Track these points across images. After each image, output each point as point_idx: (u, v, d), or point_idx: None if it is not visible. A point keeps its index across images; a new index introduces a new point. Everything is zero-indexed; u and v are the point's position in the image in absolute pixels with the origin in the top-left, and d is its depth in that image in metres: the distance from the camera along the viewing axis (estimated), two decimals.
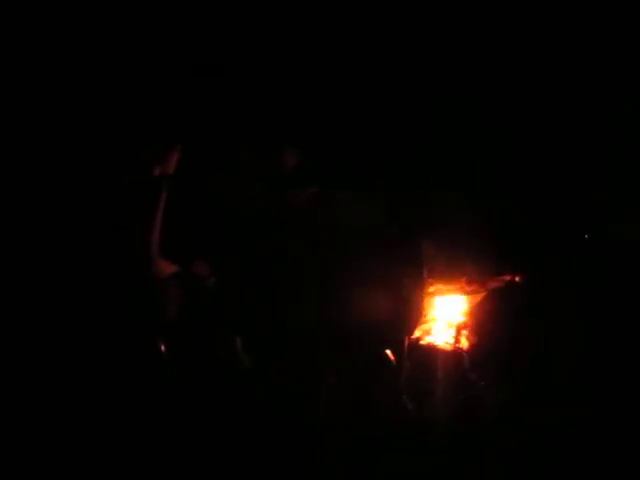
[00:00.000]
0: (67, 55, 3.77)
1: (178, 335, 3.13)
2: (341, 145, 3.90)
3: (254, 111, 3.96)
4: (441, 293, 3.60)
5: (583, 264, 3.70)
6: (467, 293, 3.66)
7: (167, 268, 2.97)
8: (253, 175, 3.58)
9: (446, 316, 3.63)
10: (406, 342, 3.19)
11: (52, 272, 3.19)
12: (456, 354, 3.47)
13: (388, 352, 3.19)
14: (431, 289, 3.54)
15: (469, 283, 3.69)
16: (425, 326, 3.59)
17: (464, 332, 3.57)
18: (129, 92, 3.66)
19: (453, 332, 3.58)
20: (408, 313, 3.09)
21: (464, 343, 3.54)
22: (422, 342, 3.53)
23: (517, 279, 3.66)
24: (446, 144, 3.99)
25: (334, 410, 3.00)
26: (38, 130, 3.68)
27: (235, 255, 3.49)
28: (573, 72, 4.03)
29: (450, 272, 3.68)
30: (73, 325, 3.07)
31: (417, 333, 3.54)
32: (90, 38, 3.81)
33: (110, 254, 2.92)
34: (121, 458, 2.66)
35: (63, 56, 3.76)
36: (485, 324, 3.57)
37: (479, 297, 3.65)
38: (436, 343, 3.55)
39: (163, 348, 3.07)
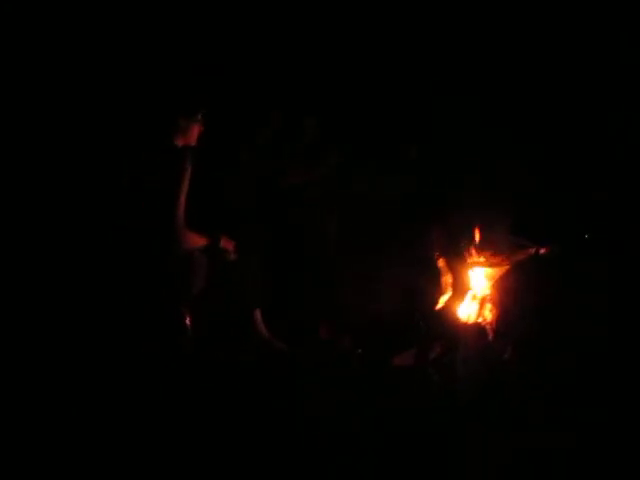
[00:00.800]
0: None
1: (203, 308, 3.14)
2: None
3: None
4: (465, 266, 3.58)
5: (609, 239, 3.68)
6: (491, 266, 3.63)
7: (193, 240, 2.96)
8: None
9: (470, 289, 3.61)
10: (431, 313, 3.18)
11: (79, 246, 3.21)
12: (479, 326, 3.46)
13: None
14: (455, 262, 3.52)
15: (493, 256, 3.67)
16: (449, 298, 3.58)
17: (488, 305, 3.55)
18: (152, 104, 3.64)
19: (477, 305, 3.56)
20: (434, 284, 3.08)
21: (488, 316, 3.52)
22: (446, 314, 3.52)
23: (542, 252, 3.63)
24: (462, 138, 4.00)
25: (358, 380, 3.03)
26: (57, 110, 3.70)
27: (258, 228, 3.51)
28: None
29: (474, 245, 3.66)
30: (99, 299, 3.09)
31: (440, 305, 3.55)
32: (107, 34, 3.82)
33: (135, 227, 2.92)
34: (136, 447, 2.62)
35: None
36: (509, 297, 3.55)
37: (503, 270, 3.62)
38: (460, 315, 3.54)
39: (188, 321, 3.08)
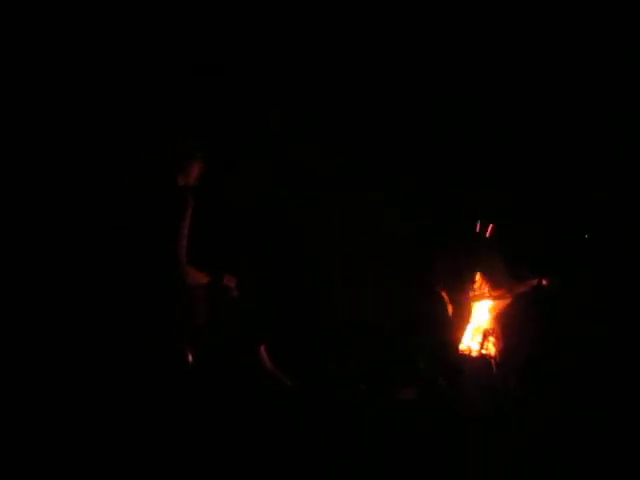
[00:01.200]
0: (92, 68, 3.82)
1: (204, 343, 3.15)
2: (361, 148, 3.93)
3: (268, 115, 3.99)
4: (467, 298, 3.58)
5: (607, 268, 3.68)
6: (493, 298, 3.63)
7: (195, 277, 2.97)
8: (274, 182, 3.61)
9: (473, 322, 3.60)
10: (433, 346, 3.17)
11: (83, 279, 3.22)
12: (483, 360, 3.45)
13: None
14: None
15: (495, 288, 3.67)
16: (451, 330, 3.58)
17: (491, 338, 3.54)
18: (152, 104, 3.69)
19: (480, 338, 3.55)
20: (437, 316, 3.07)
21: (491, 349, 3.51)
22: (448, 346, 3.51)
23: (543, 283, 3.63)
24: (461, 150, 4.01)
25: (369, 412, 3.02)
26: (68, 139, 3.74)
27: (259, 264, 3.52)
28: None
29: (475, 278, 3.67)
30: (102, 330, 3.10)
31: (443, 337, 3.55)
32: (115, 50, 3.86)
33: (139, 263, 2.93)
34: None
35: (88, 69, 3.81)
36: (512, 330, 3.55)
37: (505, 303, 3.62)
38: (463, 349, 3.53)
39: (190, 356, 3.08)
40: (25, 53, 3.78)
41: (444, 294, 3.61)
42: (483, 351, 3.52)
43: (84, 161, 3.70)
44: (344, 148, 3.89)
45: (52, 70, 3.80)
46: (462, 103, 4.00)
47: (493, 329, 3.57)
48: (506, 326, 3.57)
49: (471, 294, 3.61)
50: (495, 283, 3.69)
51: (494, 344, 3.53)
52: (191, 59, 3.97)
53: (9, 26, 3.73)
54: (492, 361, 3.43)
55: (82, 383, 3.09)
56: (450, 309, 3.59)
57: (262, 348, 3.32)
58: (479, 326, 3.59)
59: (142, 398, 3.01)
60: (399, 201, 3.15)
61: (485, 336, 3.56)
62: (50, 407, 2.94)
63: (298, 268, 3.69)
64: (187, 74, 3.92)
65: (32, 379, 3.09)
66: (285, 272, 3.66)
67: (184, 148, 3.07)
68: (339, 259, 3.58)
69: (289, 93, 4.05)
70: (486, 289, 3.65)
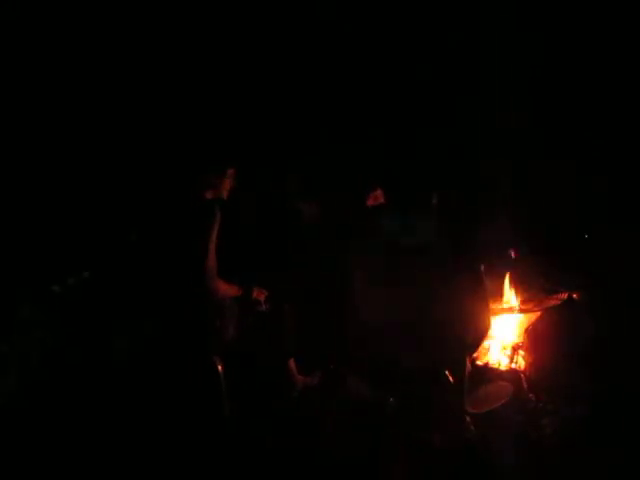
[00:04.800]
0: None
1: (234, 356, 3.18)
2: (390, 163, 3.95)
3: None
4: (497, 313, 3.55)
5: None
6: (523, 312, 3.60)
7: (226, 290, 3.01)
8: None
9: (502, 336, 3.57)
10: (467, 362, 3.15)
11: (114, 292, 3.30)
12: (513, 374, 3.41)
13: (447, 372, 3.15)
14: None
15: (524, 302, 3.64)
16: (482, 346, 3.55)
17: (521, 352, 3.51)
18: (182, 119, 3.78)
19: (509, 352, 3.52)
20: (471, 332, 3.05)
21: (521, 363, 3.48)
22: (479, 362, 3.48)
23: (574, 296, 3.60)
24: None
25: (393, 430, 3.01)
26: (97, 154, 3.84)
27: (289, 278, 3.54)
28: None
29: (505, 291, 3.65)
30: (132, 343, 3.17)
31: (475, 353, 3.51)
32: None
33: (169, 276, 2.99)
34: None
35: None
36: (542, 343, 3.51)
37: (535, 316, 3.59)
38: (493, 363, 3.50)
39: (220, 368, 3.11)
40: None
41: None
42: (513, 365, 3.48)
43: (115, 175, 3.80)
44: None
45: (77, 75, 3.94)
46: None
47: (523, 343, 3.54)
48: (536, 340, 3.53)
49: (501, 308, 3.58)
50: (525, 296, 3.67)
51: (524, 358, 3.49)
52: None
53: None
54: (522, 375, 3.39)
55: (109, 394, 3.16)
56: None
57: (291, 361, 3.35)
58: (509, 340, 3.56)
59: (172, 411, 3.06)
60: (429, 214, 3.17)
61: (515, 350, 3.52)
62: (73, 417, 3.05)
63: (326, 282, 3.71)
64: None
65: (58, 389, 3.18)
66: (314, 286, 3.67)
67: (213, 162, 3.13)
68: (367, 272, 3.59)
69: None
70: (517, 302, 3.63)
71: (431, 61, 4.16)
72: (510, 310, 3.59)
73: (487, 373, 3.43)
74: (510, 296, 3.64)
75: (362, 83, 4.25)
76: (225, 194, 3.15)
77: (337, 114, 4.20)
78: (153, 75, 4.06)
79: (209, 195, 3.07)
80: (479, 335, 3.09)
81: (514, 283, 3.66)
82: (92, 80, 4.06)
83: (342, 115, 4.20)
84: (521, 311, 3.60)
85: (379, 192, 3.44)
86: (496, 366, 3.49)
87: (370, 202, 3.42)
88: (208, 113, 4.05)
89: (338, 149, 4.02)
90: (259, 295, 3.16)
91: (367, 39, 4.20)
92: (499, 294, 3.63)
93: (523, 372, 3.42)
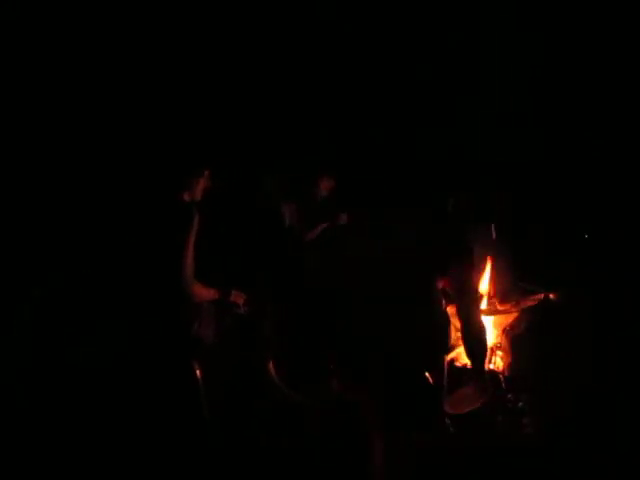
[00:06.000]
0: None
1: (212, 359, 3.13)
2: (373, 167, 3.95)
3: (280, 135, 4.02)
4: None
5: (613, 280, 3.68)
6: (500, 313, 3.61)
7: (202, 293, 2.96)
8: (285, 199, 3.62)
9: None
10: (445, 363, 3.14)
11: (89, 295, 3.23)
12: (492, 375, 3.42)
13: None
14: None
15: (502, 303, 3.65)
16: (459, 347, 3.55)
17: (499, 352, 3.52)
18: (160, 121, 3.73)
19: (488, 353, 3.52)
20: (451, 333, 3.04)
21: (499, 364, 3.49)
22: (457, 363, 3.48)
23: (551, 297, 3.62)
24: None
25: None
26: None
27: (268, 280, 3.51)
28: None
29: (482, 292, 3.65)
30: (109, 346, 3.11)
31: (451, 354, 3.51)
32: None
33: (145, 279, 2.93)
34: None
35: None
36: (519, 344, 3.53)
37: (512, 317, 3.61)
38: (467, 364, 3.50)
39: (198, 372, 3.06)
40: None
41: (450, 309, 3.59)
42: (491, 366, 3.49)
43: (94, 176, 3.73)
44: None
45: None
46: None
47: (501, 344, 3.55)
48: (513, 340, 3.54)
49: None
50: (502, 297, 3.68)
51: (502, 358, 3.50)
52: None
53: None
54: (500, 376, 3.40)
55: (92, 397, 3.10)
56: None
57: (270, 364, 3.30)
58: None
59: (150, 413, 3.00)
60: (409, 216, 3.15)
61: (493, 351, 3.53)
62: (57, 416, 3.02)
63: (306, 283, 3.68)
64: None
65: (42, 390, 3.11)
66: (293, 287, 3.64)
67: (189, 164, 3.09)
68: (350, 273, 3.57)
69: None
70: (494, 303, 3.64)
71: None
72: (488, 311, 3.60)
73: (466, 374, 3.41)
74: (489, 297, 3.65)
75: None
76: (200, 195, 3.11)
77: (337, 114, 4.18)
78: (129, 77, 4.01)
79: (185, 197, 3.03)
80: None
81: (492, 284, 3.66)
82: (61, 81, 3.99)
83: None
84: (499, 312, 3.61)
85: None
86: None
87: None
88: (183, 114, 4.00)
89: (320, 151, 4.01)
90: (237, 298, 3.11)
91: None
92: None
93: (502, 372, 3.43)
